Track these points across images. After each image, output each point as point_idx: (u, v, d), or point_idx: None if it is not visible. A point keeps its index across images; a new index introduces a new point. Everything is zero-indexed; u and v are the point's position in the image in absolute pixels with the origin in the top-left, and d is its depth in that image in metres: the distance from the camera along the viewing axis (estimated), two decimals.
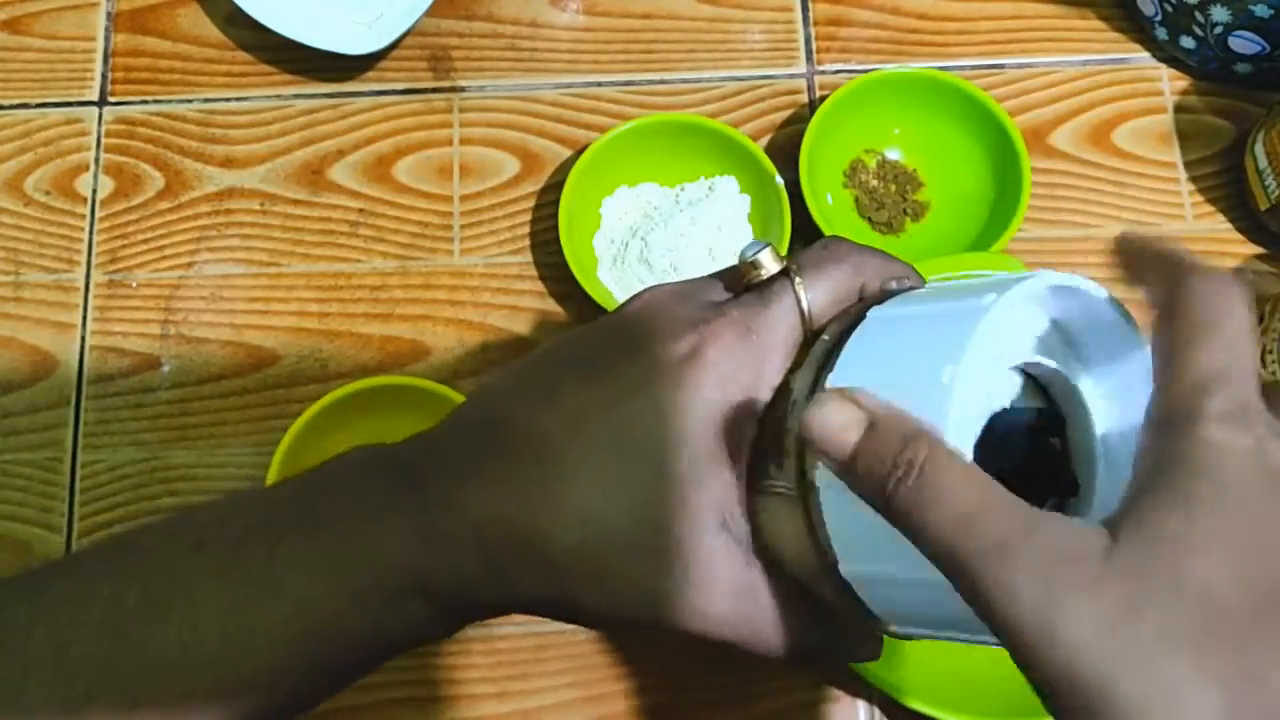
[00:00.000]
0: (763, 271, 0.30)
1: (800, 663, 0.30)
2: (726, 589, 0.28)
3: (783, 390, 0.29)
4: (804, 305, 0.29)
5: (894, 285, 0.31)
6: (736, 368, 0.28)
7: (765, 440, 0.29)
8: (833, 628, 0.30)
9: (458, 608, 0.30)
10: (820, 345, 0.29)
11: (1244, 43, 0.65)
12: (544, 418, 0.29)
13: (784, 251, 0.62)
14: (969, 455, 0.26)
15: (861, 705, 0.60)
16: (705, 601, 0.28)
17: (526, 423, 0.29)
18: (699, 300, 0.31)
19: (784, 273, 0.29)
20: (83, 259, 0.68)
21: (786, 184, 0.63)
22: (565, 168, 0.69)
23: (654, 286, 0.32)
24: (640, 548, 0.28)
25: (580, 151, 0.66)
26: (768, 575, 0.29)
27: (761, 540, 0.29)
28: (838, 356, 0.28)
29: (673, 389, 0.28)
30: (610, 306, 0.62)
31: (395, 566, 0.29)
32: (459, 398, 0.59)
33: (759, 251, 0.30)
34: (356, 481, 0.30)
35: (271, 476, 0.57)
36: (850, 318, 0.29)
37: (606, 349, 0.30)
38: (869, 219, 0.67)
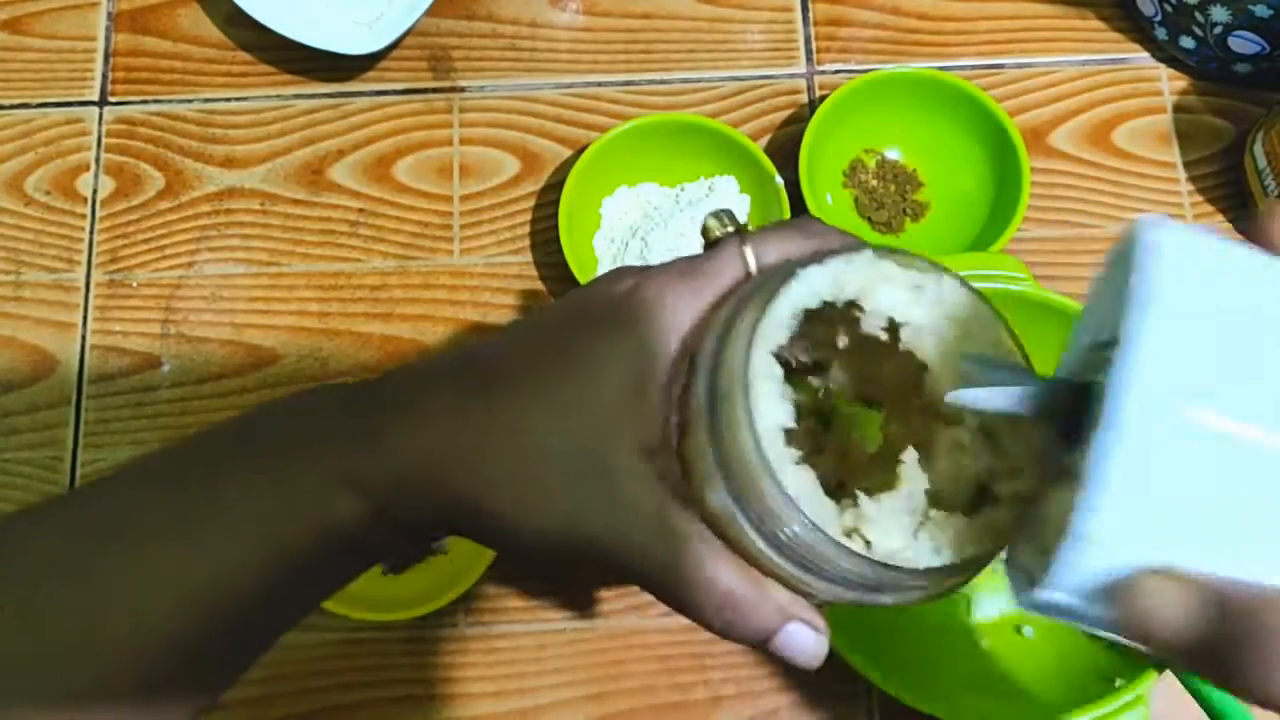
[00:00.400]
0: (716, 232, 0.31)
1: (713, 614, 0.30)
2: (646, 520, 0.29)
3: (705, 332, 0.30)
4: (748, 259, 0.30)
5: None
6: (673, 310, 0.29)
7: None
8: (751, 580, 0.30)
9: (395, 518, 0.31)
10: (744, 288, 0.30)
11: (1244, 42, 0.65)
12: (497, 349, 0.31)
13: None
14: None
15: (861, 705, 0.60)
16: (624, 528, 0.29)
17: (481, 354, 0.31)
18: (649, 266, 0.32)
19: (736, 233, 0.31)
20: (83, 259, 0.68)
21: (786, 184, 0.63)
22: (565, 168, 0.69)
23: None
24: (568, 468, 0.29)
25: (580, 151, 0.66)
26: (692, 515, 0.29)
27: (684, 479, 0.30)
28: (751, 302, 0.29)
29: (609, 323, 0.29)
30: None
31: (336, 471, 0.30)
32: None
33: (715, 214, 0.31)
34: (297, 403, 0.32)
35: None
36: (782, 268, 0.29)
37: (565, 301, 0.32)
38: (869, 219, 0.67)
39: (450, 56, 0.72)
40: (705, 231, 0.31)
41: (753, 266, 0.30)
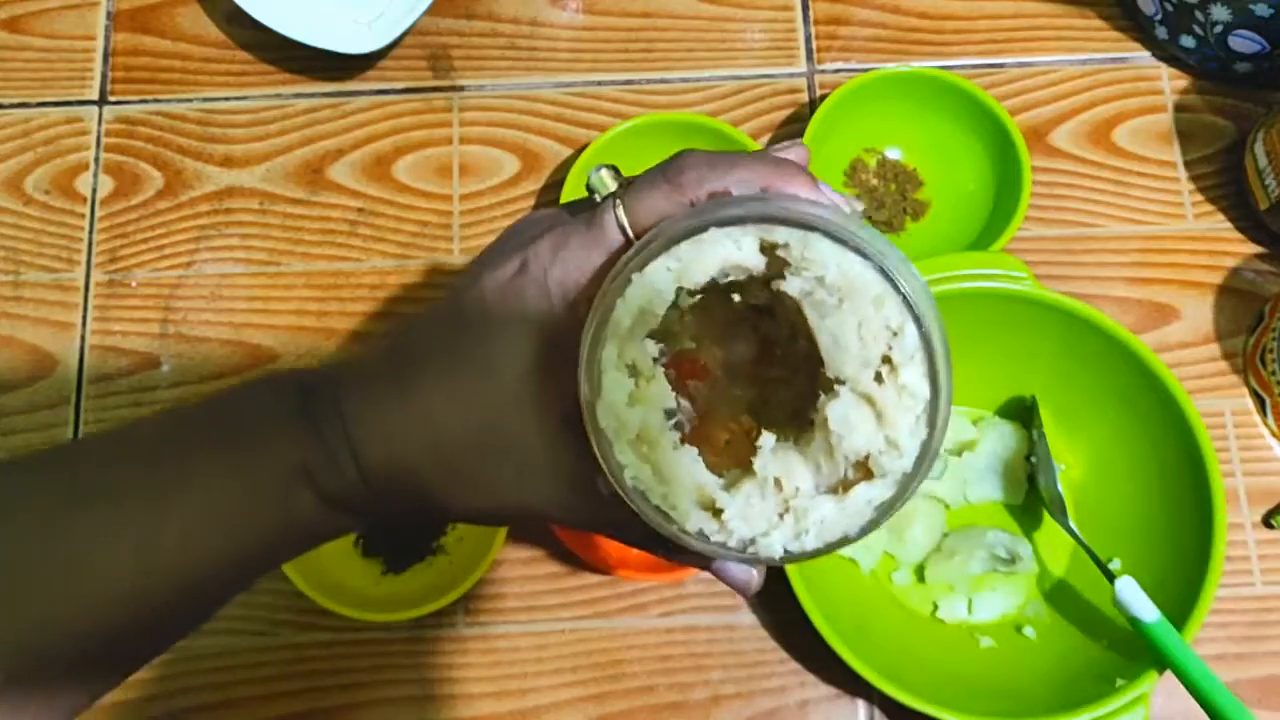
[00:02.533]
0: (597, 195, 0.32)
1: (654, 549, 0.33)
2: (566, 477, 0.31)
3: (594, 296, 0.30)
4: (623, 223, 0.31)
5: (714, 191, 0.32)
6: (560, 280, 0.31)
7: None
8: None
9: (345, 505, 0.33)
10: (616, 265, 0.30)
11: (1244, 42, 0.65)
12: (410, 340, 0.33)
13: None
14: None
15: (861, 705, 0.60)
16: (549, 489, 0.31)
17: (399, 346, 0.33)
18: (543, 224, 0.33)
19: (613, 194, 0.32)
20: (82, 258, 0.68)
21: None
22: (565, 167, 0.69)
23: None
24: (479, 446, 0.31)
25: (580, 150, 0.66)
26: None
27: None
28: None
29: (500, 304, 0.31)
30: None
31: (289, 463, 0.32)
32: None
33: (597, 174, 0.32)
34: (259, 396, 0.34)
35: None
36: (658, 231, 0.30)
37: (463, 281, 0.33)
38: (869, 218, 0.67)
39: (450, 56, 0.72)
40: (590, 189, 0.33)
41: (630, 233, 0.31)
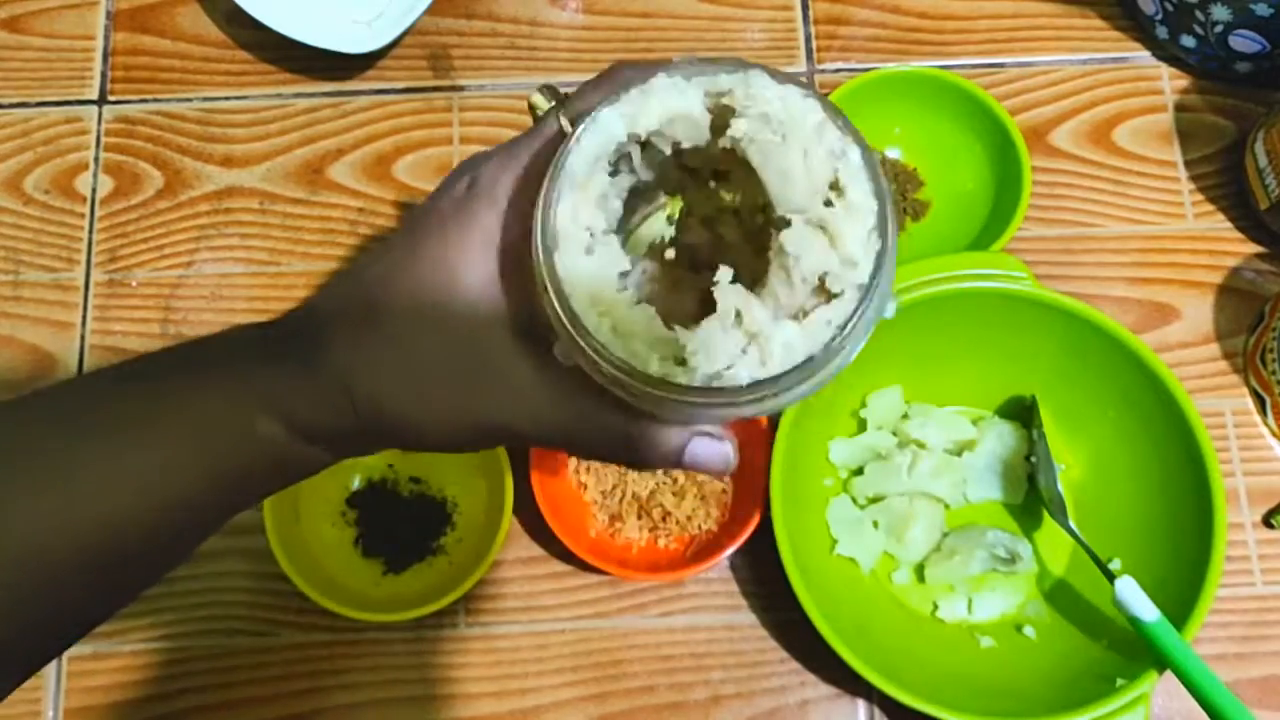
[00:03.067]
0: (539, 110, 0.33)
1: (622, 453, 0.33)
2: (534, 388, 0.31)
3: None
4: (565, 128, 0.31)
5: None
6: (507, 191, 0.31)
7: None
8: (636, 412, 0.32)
9: (319, 436, 0.33)
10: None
11: (1244, 41, 0.65)
12: (377, 269, 0.33)
13: None
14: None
15: (861, 704, 0.60)
16: (519, 402, 0.32)
17: (365, 276, 0.33)
18: (490, 150, 0.34)
19: (557, 103, 0.32)
20: (82, 258, 0.68)
21: None
22: None
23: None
24: (454, 367, 0.31)
25: None
26: (568, 375, 0.31)
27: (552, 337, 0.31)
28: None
29: (454, 221, 0.32)
30: None
31: (256, 395, 0.33)
32: None
33: (535, 94, 0.33)
34: (231, 335, 0.35)
35: None
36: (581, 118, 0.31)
37: (418, 208, 0.34)
38: None
39: (450, 55, 0.72)
40: (531, 108, 0.33)
41: (570, 131, 0.31)
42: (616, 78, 0.31)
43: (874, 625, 0.58)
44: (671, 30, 0.72)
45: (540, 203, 0.29)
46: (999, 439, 0.62)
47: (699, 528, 0.61)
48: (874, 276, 0.29)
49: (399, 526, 0.62)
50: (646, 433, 0.31)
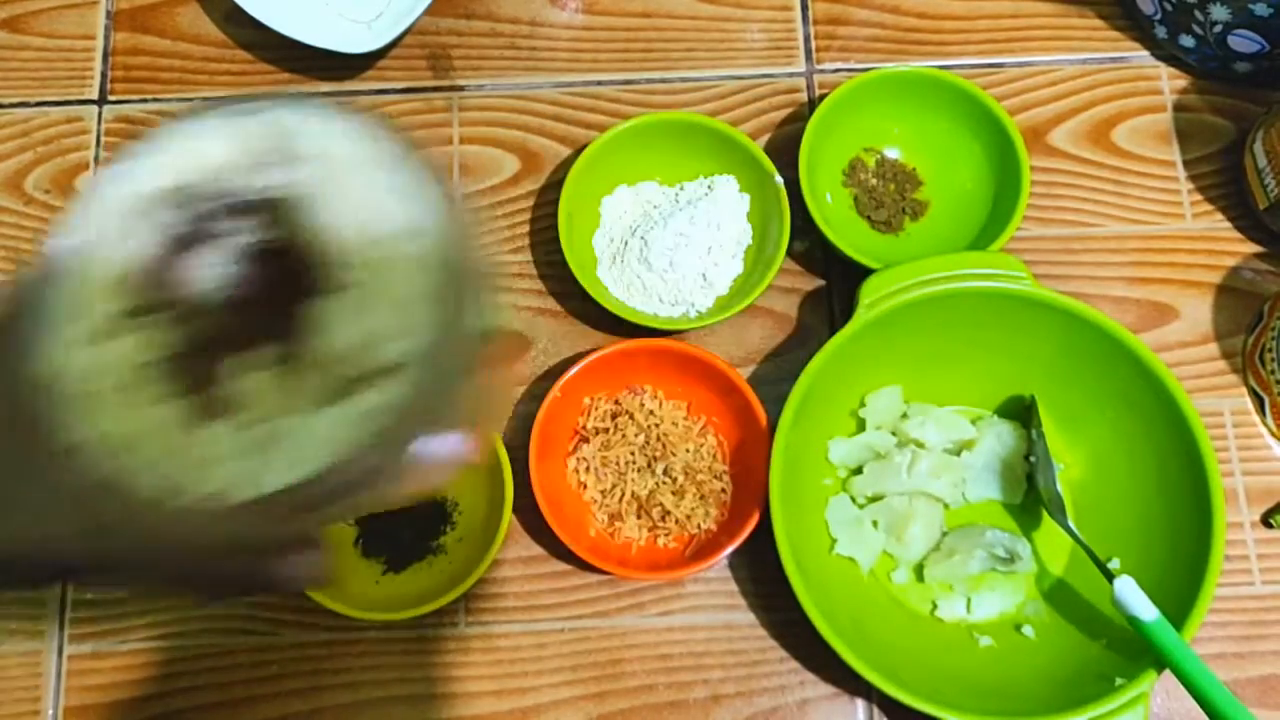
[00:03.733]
0: None
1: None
2: (60, 495, 0.27)
3: None
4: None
5: None
6: None
7: None
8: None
9: None
10: None
11: (1243, 41, 0.65)
12: None
13: (782, 249, 0.62)
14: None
15: (860, 704, 0.60)
16: (46, 512, 0.27)
17: None
18: None
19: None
20: None
21: (786, 183, 0.63)
22: (565, 166, 0.69)
23: None
24: None
25: (580, 150, 0.66)
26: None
27: None
28: None
29: None
30: (609, 304, 0.62)
31: None
32: None
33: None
34: None
35: None
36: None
37: None
38: (868, 217, 0.67)
39: (450, 55, 0.72)
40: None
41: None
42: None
43: (873, 624, 0.58)
44: (671, 30, 0.72)
45: (25, 323, 0.24)
46: (998, 438, 0.62)
47: (698, 527, 0.61)
48: (437, 347, 0.23)
49: (400, 527, 0.62)
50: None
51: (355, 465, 0.23)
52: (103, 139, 0.70)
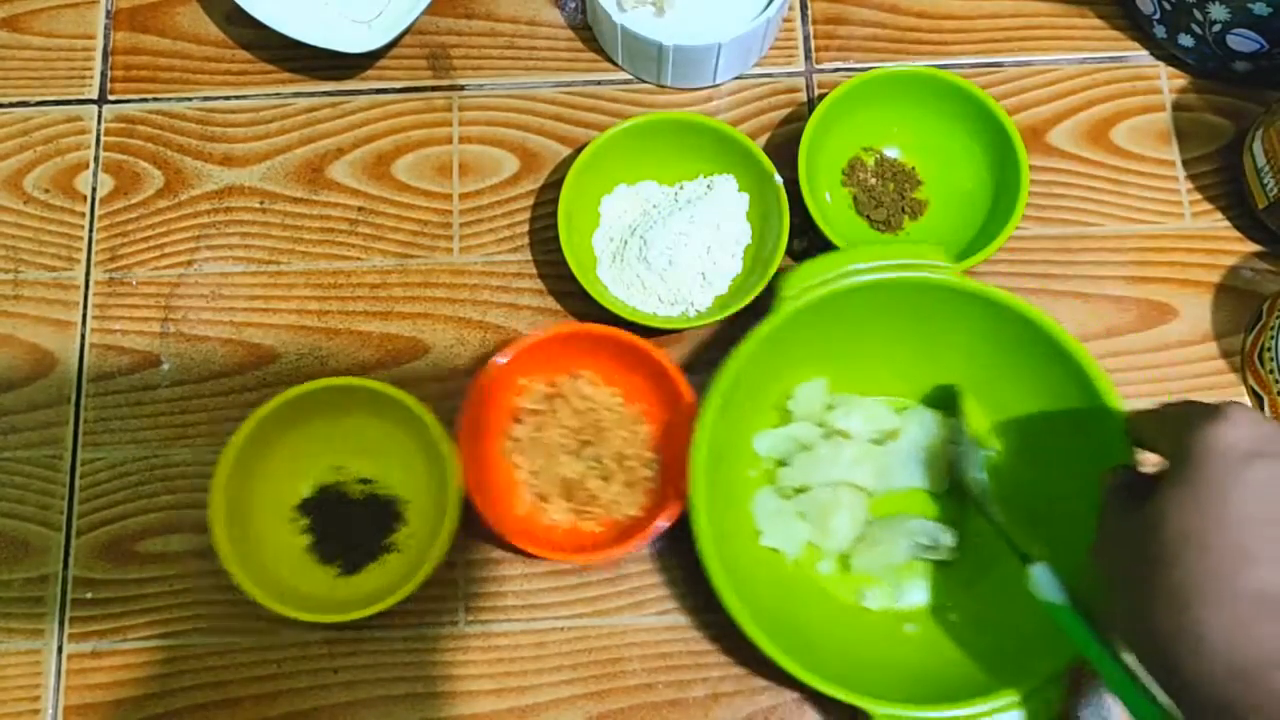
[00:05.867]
0: None
1: None
2: None
3: None
4: None
5: None
6: None
7: None
8: None
9: None
10: None
11: (1242, 41, 0.65)
12: None
13: (781, 248, 0.62)
14: None
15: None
16: None
17: None
18: None
19: None
20: (82, 257, 0.68)
21: (785, 182, 0.63)
22: (564, 166, 0.69)
23: None
24: None
25: (579, 150, 0.66)
26: None
27: None
28: None
29: None
30: (608, 304, 0.62)
31: None
32: (407, 398, 0.58)
33: None
34: None
35: (217, 483, 0.57)
36: None
37: None
38: (867, 217, 0.67)
39: (449, 55, 0.72)
40: None
41: None
42: None
43: (799, 615, 0.58)
44: None
45: None
46: (922, 427, 0.61)
47: (624, 514, 0.61)
48: None
49: (352, 529, 0.61)
50: None
51: None
52: (102, 139, 0.70)
